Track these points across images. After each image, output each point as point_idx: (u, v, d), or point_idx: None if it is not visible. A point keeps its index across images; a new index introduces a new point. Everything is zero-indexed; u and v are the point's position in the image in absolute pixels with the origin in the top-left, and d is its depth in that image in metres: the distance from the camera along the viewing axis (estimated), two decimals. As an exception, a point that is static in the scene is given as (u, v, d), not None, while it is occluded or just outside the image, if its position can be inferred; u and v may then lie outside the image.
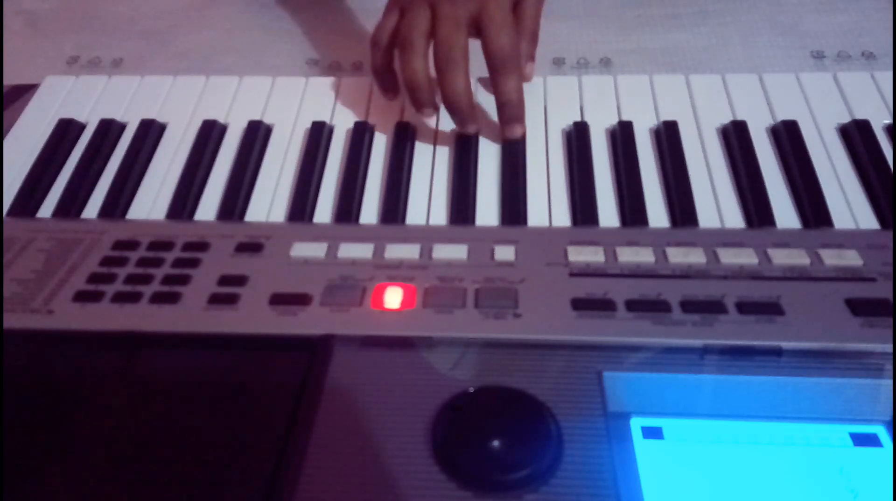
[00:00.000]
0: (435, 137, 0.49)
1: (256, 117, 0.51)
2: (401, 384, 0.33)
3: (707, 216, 0.42)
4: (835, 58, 0.55)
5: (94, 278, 0.39)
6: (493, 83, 0.46)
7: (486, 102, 0.50)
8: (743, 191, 0.43)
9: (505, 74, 0.45)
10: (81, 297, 0.38)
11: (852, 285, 0.36)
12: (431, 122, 0.50)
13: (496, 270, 0.38)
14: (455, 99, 0.45)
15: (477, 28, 0.46)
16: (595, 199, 0.44)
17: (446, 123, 0.50)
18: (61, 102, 0.54)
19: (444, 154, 0.48)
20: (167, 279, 0.39)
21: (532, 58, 0.51)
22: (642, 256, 0.38)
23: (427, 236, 0.41)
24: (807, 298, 0.35)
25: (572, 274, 0.37)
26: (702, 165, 0.45)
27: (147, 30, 0.65)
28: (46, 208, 0.46)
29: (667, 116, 0.48)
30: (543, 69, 0.57)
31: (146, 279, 0.39)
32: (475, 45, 0.46)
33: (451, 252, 0.39)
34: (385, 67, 0.49)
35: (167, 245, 0.41)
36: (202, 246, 0.41)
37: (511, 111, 0.47)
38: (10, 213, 0.46)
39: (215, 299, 0.37)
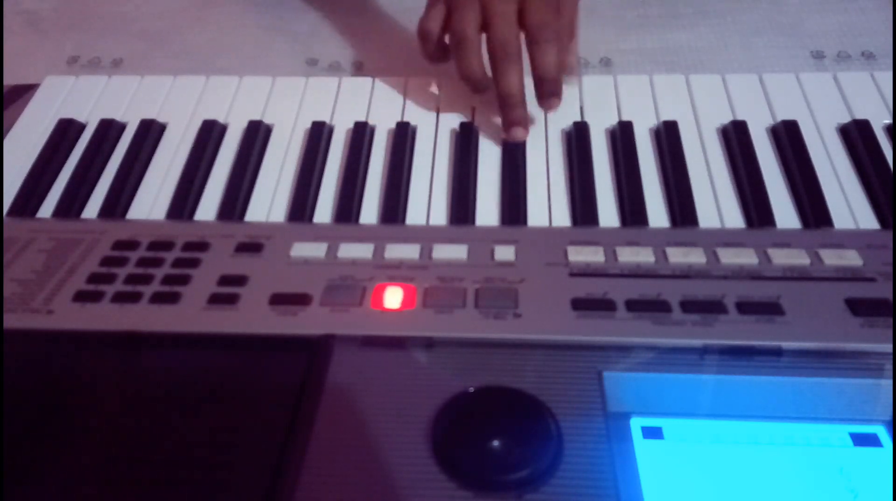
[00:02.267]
0: (435, 138, 0.49)
1: (256, 117, 0.51)
2: (401, 384, 0.33)
3: (707, 216, 0.42)
4: (835, 58, 0.55)
5: (94, 278, 0.39)
6: (531, 57, 0.46)
7: (489, 101, 0.50)
8: (743, 191, 0.43)
9: (543, 43, 0.46)
10: (81, 297, 0.38)
11: (852, 285, 0.36)
12: (431, 121, 0.50)
13: (496, 270, 0.38)
14: (510, 93, 0.46)
15: (520, 18, 0.47)
16: (595, 199, 0.44)
17: (446, 123, 0.50)
18: (61, 102, 0.54)
19: (444, 154, 0.48)
20: (167, 279, 0.39)
21: (573, 52, 0.51)
22: (642, 256, 0.38)
23: (427, 236, 0.41)
24: (807, 298, 0.35)
25: (572, 274, 0.37)
26: (702, 165, 0.45)
27: (147, 30, 0.65)
28: (46, 208, 0.46)
29: (667, 116, 0.48)
30: (543, 69, 0.57)
31: (146, 279, 0.39)
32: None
33: (451, 252, 0.39)
34: (440, 58, 0.50)
35: (167, 245, 0.41)
36: (202, 246, 0.41)
37: (548, 86, 0.47)
38: (10, 213, 0.46)
39: (215, 299, 0.37)
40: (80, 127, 0.52)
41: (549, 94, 0.47)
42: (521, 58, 0.46)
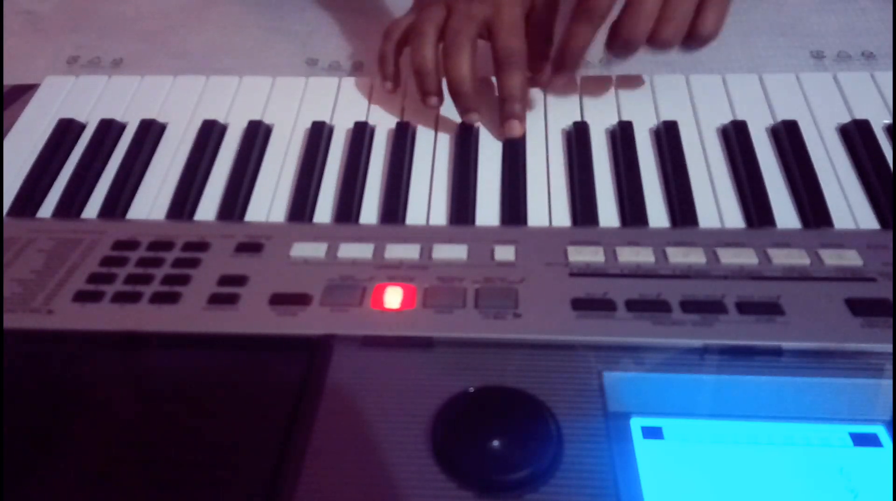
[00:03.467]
0: (435, 138, 0.49)
1: (256, 117, 0.51)
2: (401, 384, 0.33)
3: (707, 216, 0.42)
4: (835, 58, 0.55)
5: (94, 278, 0.39)
6: (497, 80, 0.47)
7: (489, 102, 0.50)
8: (743, 191, 0.43)
9: (508, 70, 0.46)
10: (81, 297, 0.38)
11: (852, 285, 0.36)
12: (431, 121, 0.50)
13: (496, 270, 0.38)
14: (457, 80, 0.46)
15: (488, 31, 0.47)
16: (595, 199, 0.44)
17: (446, 123, 0.50)
18: (61, 102, 0.54)
19: (444, 154, 0.48)
20: (167, 279, 0.39)
21: (548, 58, 0.51)
22: (642, 256, 0.38)
23: (427, 236, 0.41)
24: (807, 298, 0.35)
25: (572, 274, 0.37)
26: (702, 165, 0.45)
27: (147, 30, 0.65)
28: (46, 208, 0.46)
29: (667, 116, 0.48)
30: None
31: (146, 279, 0.39)
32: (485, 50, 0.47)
33: (451, 252, 0.39)
34: (390, 56, 0.50)
35: (167, 245, 0.41)
36: (202, 246, 0.41)
37: (511, 107, 0.47)
38: (10, 213, 0.46)
39: (215, 299, 0.37)
40: (80, 127, 0.52)
41: (508, 115, 0.47)
42: (474, 49, 0.46)
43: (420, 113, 0.51)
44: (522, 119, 0.48)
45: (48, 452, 0.31)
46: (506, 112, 0.47)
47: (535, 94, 0.51)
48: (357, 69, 0.59)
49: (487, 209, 0.44)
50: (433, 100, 0.47)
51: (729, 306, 0.35)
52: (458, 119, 0.49)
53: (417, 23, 0.48)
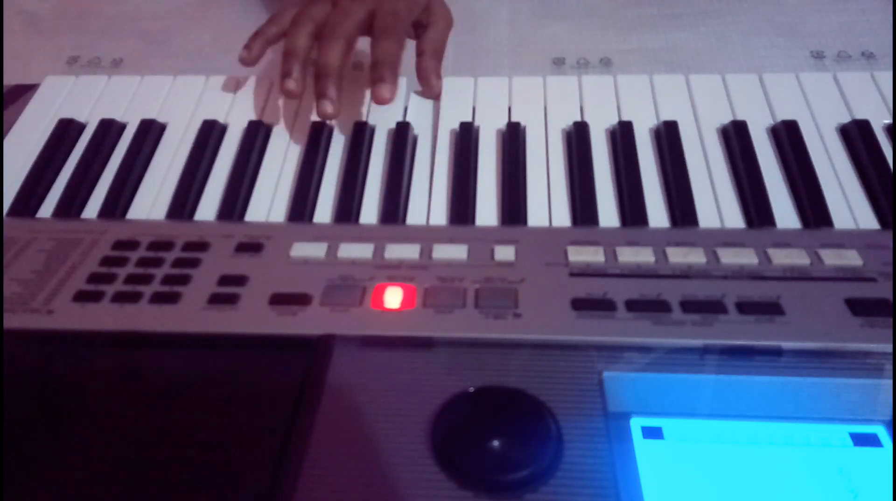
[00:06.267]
0: (435, 138, 0.49)
1: (256, 117, 0.51)
2: (401, 384, 0.33)
3: (707, 216, 0.42)
4: (835, 58, 0.55)
5: (94, 278, 0.39)
6: (371, 47, 0.47)
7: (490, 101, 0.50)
8: (743, 191, 0.43)
9: (384, 36, 0.47)
10: (81, 297, 0.38)
11: (852, 285, 0.36)
12: (432, 121, 0.50)
13: (496, 270, 0.38)
14: (326, 64, 0.46)
15: (370, 23, 0.48)
16: (595, 199, 0.44)
17: (446, 123, 0.50)
18: (61, 102, 0.54)
19: (444, 154, 0.48)
20: (167, 279, 0.39)
21: (438, 75, 0.51)
22: (642, 256, 0.38)
23: (427, 236, 0.41)
24: (807, 298, 0.35)
25: (572, 274, 0.37)
26: (702, 165, 0.45)
27: (147, 30, 0.65)
28: (46, 208, 0.46)
29: (667, 116, 0.48)
30: (543, 69, 0.57)
31: (146, 279, 0.39)
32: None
33: (451, 252, 0.39)
34: (263, 37, 0.50)
35: (167, 245, 0.41)
36: (202, 246, 0.41)
37: (381, 71, 0.46)
38: (10, 213, 0.46)
39: (215, 299, 0.37)
40: (80, 127, 0.52)
41: (379, 79, 0.46)
42: (348, 44, 0.47)
43: (421, 113, 0.51)
44: (393, 83, 0.46)
45: (48, 452, 0.31)
46: (376, 75, 0.46)
47: (536, 93, 0.51)
48: (356, 69, 0.59)
49: (487, 209, 0.44)
50: (291, 83, 0.46)
51: (729, 306, 0.35)
52: (457, 119, 0.49)
53: (299, 13, 0.49)
